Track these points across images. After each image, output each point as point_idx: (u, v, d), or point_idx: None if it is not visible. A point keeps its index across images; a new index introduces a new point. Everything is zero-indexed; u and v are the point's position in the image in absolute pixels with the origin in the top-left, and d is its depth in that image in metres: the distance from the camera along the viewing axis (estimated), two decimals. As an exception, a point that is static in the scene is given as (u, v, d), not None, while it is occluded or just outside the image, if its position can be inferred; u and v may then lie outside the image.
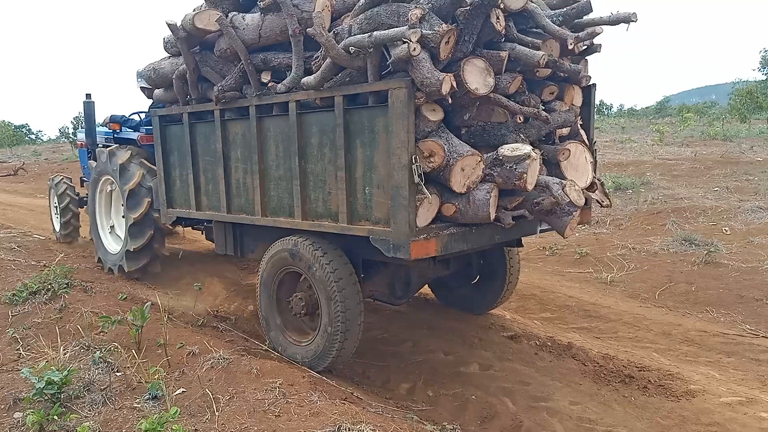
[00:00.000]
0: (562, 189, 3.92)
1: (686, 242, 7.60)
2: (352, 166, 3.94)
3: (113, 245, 6.96)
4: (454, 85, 3.52)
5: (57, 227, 8.54)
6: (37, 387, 3.43)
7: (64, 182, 8.25)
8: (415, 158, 3.58)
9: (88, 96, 7.74)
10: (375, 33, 3.55)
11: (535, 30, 4.18)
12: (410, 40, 3.35)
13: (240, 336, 5.09)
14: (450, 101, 3.64)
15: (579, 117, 4.68)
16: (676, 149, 17.24)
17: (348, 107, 3.88)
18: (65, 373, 3.53)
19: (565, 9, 4.21)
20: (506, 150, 3.82)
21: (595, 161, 4.81)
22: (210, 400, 3.55)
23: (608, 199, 4.74)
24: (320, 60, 3.96)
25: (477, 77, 3.71)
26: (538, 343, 5.21)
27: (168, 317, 4.77)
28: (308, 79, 3.98)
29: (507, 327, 5.53)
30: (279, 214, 4.53)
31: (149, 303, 4.48)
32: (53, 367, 3.60)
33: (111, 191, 7.00)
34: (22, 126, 59.69)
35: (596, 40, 4.45)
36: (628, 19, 4.10)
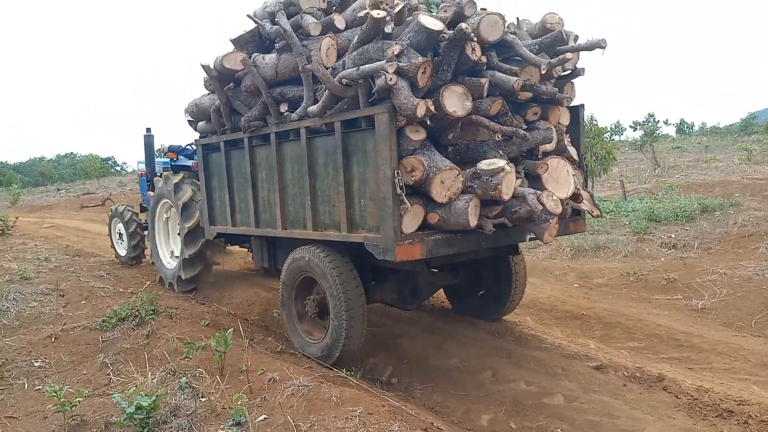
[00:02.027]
0: (537, 199, 4.51)
1: (783, 267, 7.28)
2: (350, 182, 4.74)
3: (171, 264, 8.14)
4: (431, 109, 4.24)
5: (120, 252, 9.93)
6: (127, 412, 3.63)
7: (129, 210, 9.63)
8: (397, 173, 4.32)
9: (148, 130, 9.13)
10: (362, 67, 4.36)
11: (516, 58, 4.86)
12: (387, 72, 4.14)
13: (318, 362, 5.24)
14: (429, 123, 4.37)
15: (567, 135, 5.27)
16: (766, 168, 16.80)
17: (345, 131, 4.70)
18: (153, 398, 3.71)
19: (540, 39, 4.87)
20: (483, 164, 4.48)
21: (585, 175, 5.37)
22: (292, 427, 3.66)
23: (598, 209, 5.25)
24: (322, 91, 4.82)
25: (455, 101, 4.43)
26: (626, 373, 5.08)
27: (248, 343, 5.04)
28: (313, 108, 4.84)
29: (592, 356, 5.43)
30: (295, 226, 5.38)
31: (231, 329, 4.69)
32: (142, 392, 3.80)
33: (167, 218, 8.22)
34: (109, 158, 65.52)
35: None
36: (599, 45, 4.71)
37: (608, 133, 16.83)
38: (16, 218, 15.61)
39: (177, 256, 8.11)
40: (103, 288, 7.60)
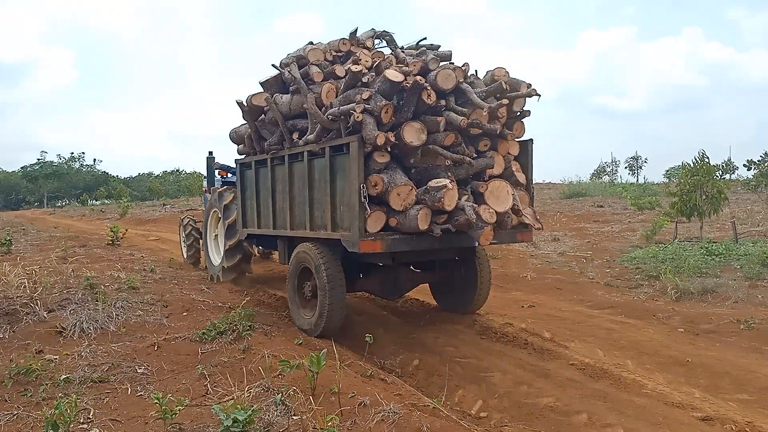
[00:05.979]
0: (473, 210, 5.74)
1: None
2: (334, 193, 6.13)
3: (216, 258, 9.84)
4: (390, 139, 5.60)
5: (185, 254, 11.78)
6: (224, 424, 3.63)
7: (189, 217, 11.69)
8: (363, 186, 5.68)
9: (210, 153, 11.06)
10: (341, 107, 5.81)
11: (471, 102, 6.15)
12: (355, 111, 5.56)
13: (408, 390, 5.16)
14: (390, 149, 5.73)
15: (517, 163, 6.48)
16: None
17: (332, 154, 6.11)
18: (249, 413, 3.72)
19: (486, 88, 6.17)
20: (432, 182, 5.77)
21: (532, 196, 6.54)
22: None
23: (540, 223, 6.39)
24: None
25: (413, 134, 5.77)
26: (734, 427, 4.70)
27: (340, 365, 5.00)
28: (310, 137, 6.32)
29: (696, 407, 5.07)
30: (299, 228, 6.84)
31: (325, 350, 4.76)
32: (239, 406, 3.80)
33: (219, 217, 9.94)
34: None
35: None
36: (530, 94, 5.98)
37: (719, 172, 15.57)
38: (126, 230, 16.84)
39: (219, 248, 9.86)
40: (204, 302, 7.88)
